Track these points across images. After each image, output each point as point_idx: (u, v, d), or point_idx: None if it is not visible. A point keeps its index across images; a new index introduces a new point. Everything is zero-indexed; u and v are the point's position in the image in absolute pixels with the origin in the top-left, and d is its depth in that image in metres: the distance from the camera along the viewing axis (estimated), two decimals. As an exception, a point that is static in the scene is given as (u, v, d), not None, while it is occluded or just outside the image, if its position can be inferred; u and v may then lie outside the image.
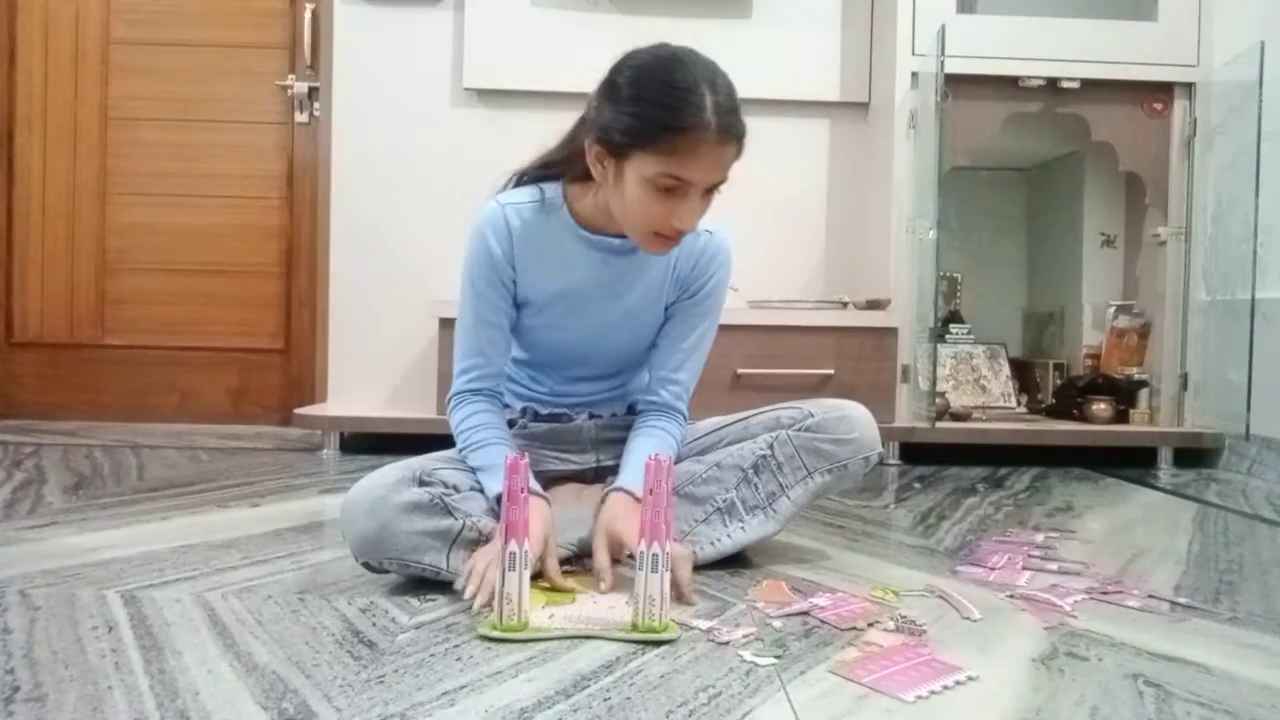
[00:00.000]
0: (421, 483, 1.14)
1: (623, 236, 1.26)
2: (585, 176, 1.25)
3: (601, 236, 1.28)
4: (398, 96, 2.71)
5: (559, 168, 1.30)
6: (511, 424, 1.42)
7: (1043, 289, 2.99)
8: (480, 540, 1.14)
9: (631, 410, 1.46)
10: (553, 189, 1.29)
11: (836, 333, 2.41)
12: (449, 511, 1.13)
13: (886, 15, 2.59)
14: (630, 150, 1.13)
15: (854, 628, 1.01)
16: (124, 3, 2.97)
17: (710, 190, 1.16)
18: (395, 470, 1.14)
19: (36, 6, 2.97)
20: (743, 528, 1.28)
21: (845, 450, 1.29)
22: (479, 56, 2.66)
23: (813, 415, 1.30)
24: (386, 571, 1.13)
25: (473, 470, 1.24)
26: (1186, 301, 2.51)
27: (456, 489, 1.18)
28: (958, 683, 0.85)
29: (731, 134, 1.12)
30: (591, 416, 1.41)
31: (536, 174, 1.32)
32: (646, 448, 1.25)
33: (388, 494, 1.10)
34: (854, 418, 1.31)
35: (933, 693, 0.82)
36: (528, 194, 1.29)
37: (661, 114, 1.10)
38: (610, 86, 1.16)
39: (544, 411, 1.41)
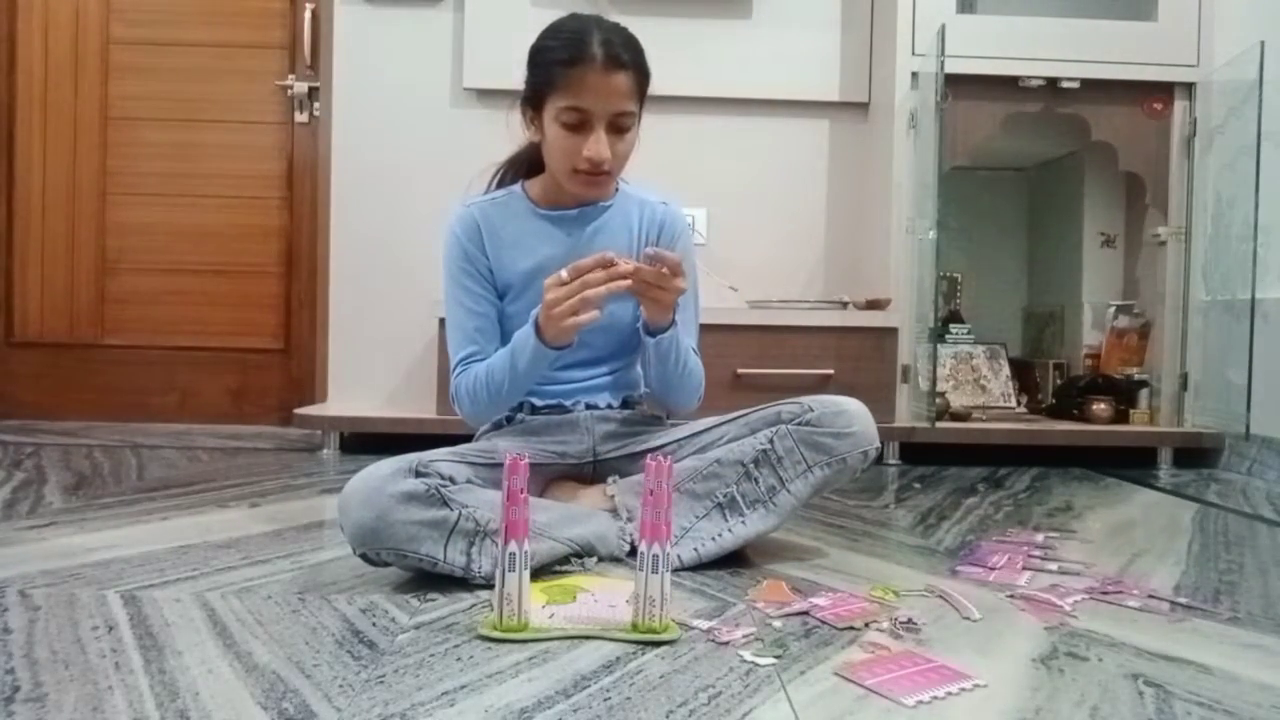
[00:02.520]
0: (418, 474, 1.14)
1: (576, 206, 1.41)
2: (538, 168, 1.43)
3: (556, 210, 1.43)
4: (398, 96, 2.71)
5: (520, 165, 1.48)
6: (509, 419, 1.43)
7: (1043, 289, 2.99)
8: (478, 531, 1.14)
9: (627, 404, 1.47)
10: (514, 185, 1.47)
11: (836, 333, 2.41)
12: (445, 503, 1.13)
13: (886, 15, 2.58)
14: (543, 100, 1.32)
15: (851, 627, 1.01)
16: (124, 3, 2.97)
17: (618, 126, 1.31)
18: (392, 462, 1.14)
19: (36, 6, 2.97)
20: (743, 522, 1.29)
21: (844, 444, 1.30)
22: (479, 56, 2.66)
23: (812, 410, 1.32)
24: (385, 564, 1.14)
25: (525, 368, 1.32)
26: (1186, 301, 2.51)
27: (453, 480, 1.18)
28: (962, 689, 0.85)
29: (617, 63, 1.28)
30: (588, 407, 1.43)
31: (505, 175, 1.50)
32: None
33: (384, 484, 1.11)
34: (852, 412, 1.32)
35: (935, 698, 0.82)
36: (491, 195, 1.47)
37: (553, 54, 1.29)
38: (527, 59, 1.35)
39: (540, 404, 1.43)
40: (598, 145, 1.30)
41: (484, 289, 1.41)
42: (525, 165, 1.48)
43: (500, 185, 1.50)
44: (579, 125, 1.29)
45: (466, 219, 1.42)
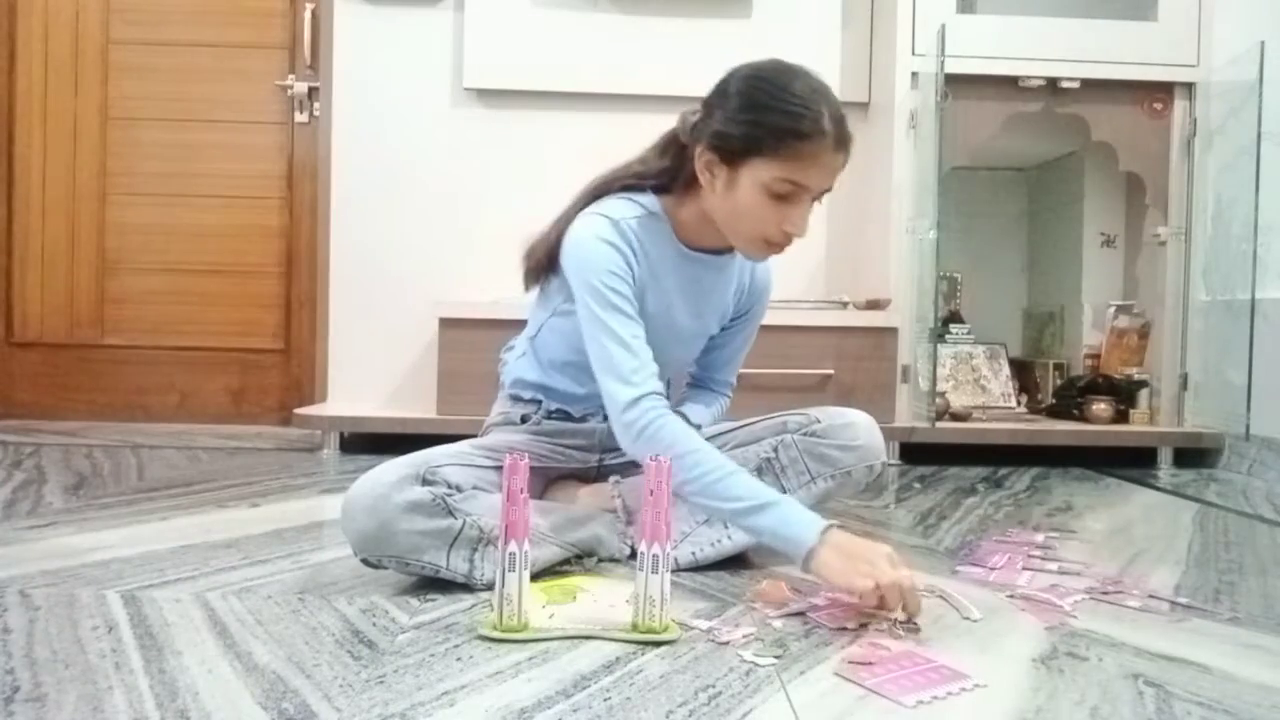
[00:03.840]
0: (425, 481, 1.13)
1: (717, 251, 1.31)
2: (681, 190, 1.28)
3: (698, 252, 1.31)
4: (398, 96, 2.71)
5: (652, 179, 1.31)
6: (525, 419, 1.41)
7: (1043, 289, 2.99)
8: (481, 538, 1.14)
9: None
10: (649, 201, 1.30)
11: (836, 333, 2.41)
12: (450, 512, 1.12)
13: (886, 15, 2.58)
14: (748, 156, 1.16)
15: (844, 628, 1.01)
16: (124, 3, 2.97)
17: (817, 199, 1.20)
18: (397, 468, 1.13)
19: (36, 6, 2.97)
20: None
21: (849, 456, 1.30)
22: (479, 56, 2.66)
23: (819, 421, 1.32)
24: (385, 568, 1.13)
25: (743, 524, 1.14)
26: (1186, 301, 2.51)
27: (459, 489, 1.17)
28: (963, 689, 0.85)
29: (846, 143, 1.18)
30: (605, 419, 1.41)
31: (626, 184, 1.32)
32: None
33: (389, 493, 1.10)
34: (859, 425, 1.32)
35: (935, 698, 0.82)
36: (628, 208, 1.29)
37: (784, 120, 1.14)
38: (723, 95, 1.20)
39: (575, 413, 1.41)
40: (803, 223, 1.19)
41: (635, 301, 1.26)
42: (665, 186, 1.31)
43: (605, 194, 1.33)
44: (788, 196, 1.17)
45: (625, 232, 1.26)
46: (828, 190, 1.20)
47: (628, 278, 1.24)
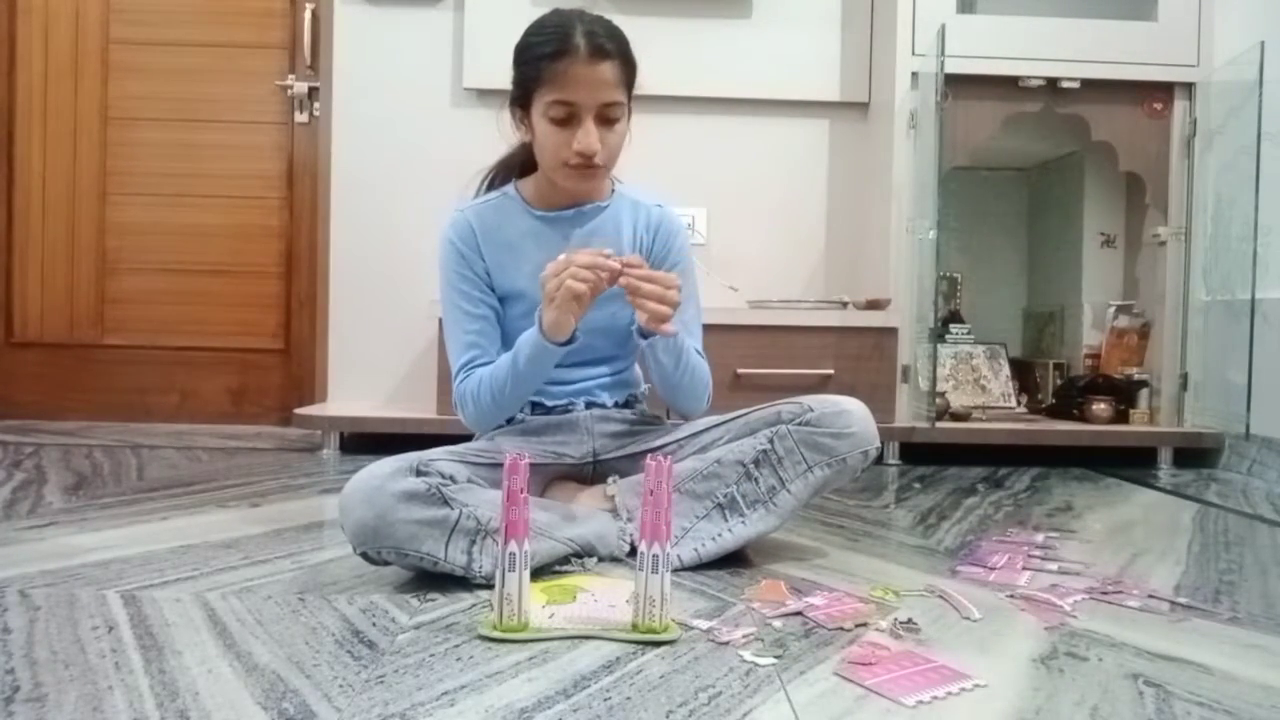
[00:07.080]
0: (419, 473, 1.14)
1: (571, 207, 1.41)
2: (530, 169, 1.42)
3: (552, 211, 1.41)
4: (398, 96, 2.71)
5: (512, 168, 1.48)
6: (511, 420, 1.42)
7: (1043, 289, 2.99)
8: (479, 530, 1.14)
9: (628, 404, 1.48)
10: (507, 188, 1.45)
11: (836, 333, 2.41)
12: (446, 501, 1.13)
13: (886, 15, 2.59)
14: (530, 98, 1.31)
15: (841, 628, 1.01)
16: (124, 3, 2.97)
17: (606, 118, 1.30)
18: (393, 461, 1.15)
19: (36, 6, 2.97)
20: (743, 522, 1.29)
21: (844, 444, 1.30)
22: (479, 56, 2.66)
23: (812, 410, 1.32)
24: (386, 563, 1.13)
25: (525, 367, 1.30)
26: (1186, 301, 2.51)
27: (454, 479, 1.18)
28: (963, 689, 0.85)
29: (602, 53, 1.27)
30: (589, 406, 1.42)
31: (496, 177, 1.49)
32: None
33: (385, 483, 1.11)
34: (852, 412, 1.32)
35: (935, 698, 0.82)
36: (485, 197, 1.46)
37: (538, 49, 1.28)
38: (512, 59, 1.34)
39: (550, 404, 1.42)
40: (587, 137, 1.28)
41: (482, 292, 1.39)
42: (517, 167, 1.47)
43: (490, 188, 1.48)
44: (567, 119, 1.28)
45: (461, 223, 1.41)
46: (607, 105, 1.29)
47: (466, 264, 1.39)
